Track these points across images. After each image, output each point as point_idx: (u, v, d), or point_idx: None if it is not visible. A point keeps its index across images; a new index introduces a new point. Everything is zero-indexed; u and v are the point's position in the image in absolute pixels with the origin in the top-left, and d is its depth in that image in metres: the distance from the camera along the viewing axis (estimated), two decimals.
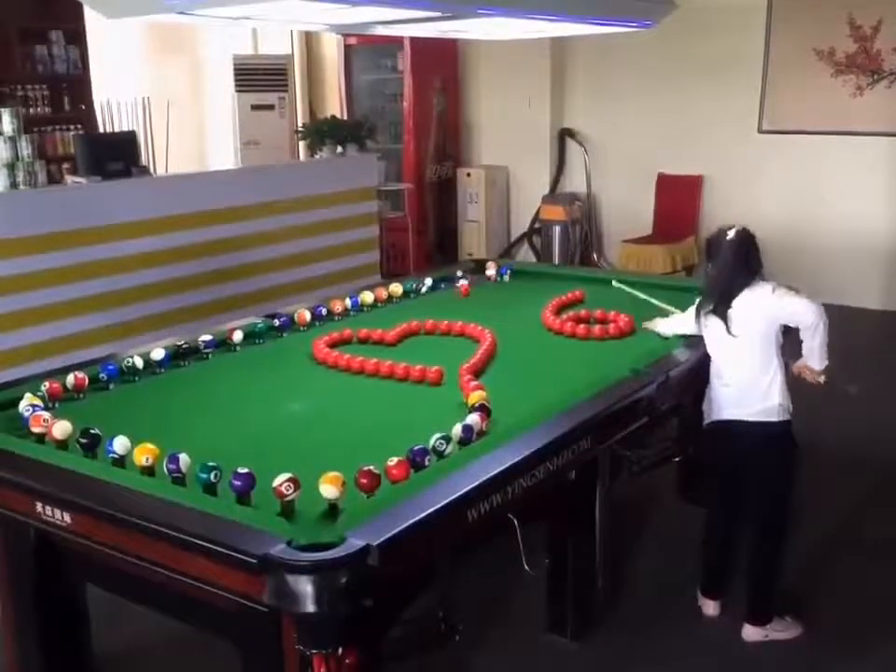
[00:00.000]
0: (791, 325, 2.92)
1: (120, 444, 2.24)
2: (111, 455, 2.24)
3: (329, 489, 1.99)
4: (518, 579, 2.66)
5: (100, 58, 7.30)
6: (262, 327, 3.42)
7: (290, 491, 1.98)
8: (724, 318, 2.88)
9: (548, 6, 3.26)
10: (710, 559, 3.15)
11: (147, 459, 2.17)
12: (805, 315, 2.84)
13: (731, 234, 2.91)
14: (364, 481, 2.05)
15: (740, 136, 7.27)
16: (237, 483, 2.02)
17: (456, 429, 2.35)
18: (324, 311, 3.64)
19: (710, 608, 3.13)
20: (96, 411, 2.68)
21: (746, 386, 2.90)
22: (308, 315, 3.56)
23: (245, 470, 2.04)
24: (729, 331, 2.87)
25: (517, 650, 2.95)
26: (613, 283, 3.90)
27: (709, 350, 2.98)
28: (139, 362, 2.98)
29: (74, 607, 2.58)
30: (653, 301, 3.48)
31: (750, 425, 2.91)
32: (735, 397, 2.92)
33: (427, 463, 2.19)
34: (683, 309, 3.23)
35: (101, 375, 2.88)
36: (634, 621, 3.09)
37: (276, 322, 3.48)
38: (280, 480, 1.99)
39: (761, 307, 2.85)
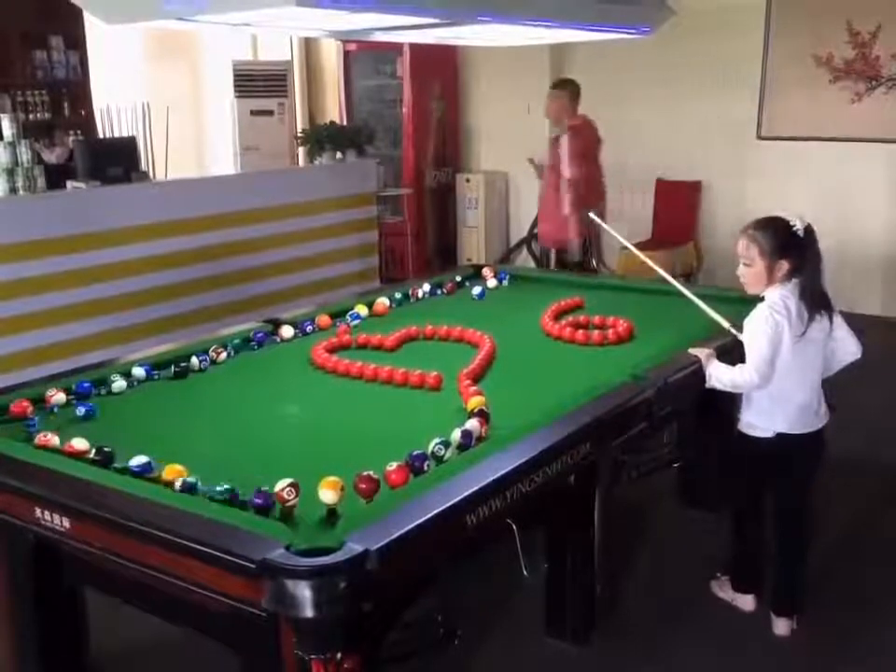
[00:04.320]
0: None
1: (137, 460, 2.23)
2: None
3: (327, 494, 2.00)
4: (517, 583, 2.66)
5: (99, 63, 7.31)
6: (238, 342, 3.36)
7: (291, 496, 1.99)
8: (830, 318, 2.87)
9: (547, 13, 3.27)
10: (745, 558, 3.16)
11: (179, 481, 2.15)
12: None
13: (806, 226, 2.79)
14: (363, 486, 2.05)
15: (739, 142, 7.28)
16: (258, 500, 2.02)
17: (456, 434, 2.35)
18: (309, 328, 3.59)
19: (749, 603, 3.14)
20: (95, 417, 2.69)
21: (816, 394, 2.93)
22: (291, 332, 3.52)
23: (266, 488, 2.04)
24: (831, 330, 2.89)
25: (516, 654, 2.95)
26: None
27: (790, 364, 2.84)
28: (122, 385, 2.92)
29: (72, 609, 2.58)
30: (708, 309, 3.15)
31: (813, 433, 2.94)
32: (807, 407, 2.91)
33: (426, 468, 2.19)
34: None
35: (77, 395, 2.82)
36: (634, 624, 3.09)
37: (253, 344, 3.42)
38: (281, 485, 1.99)
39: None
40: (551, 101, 5.82)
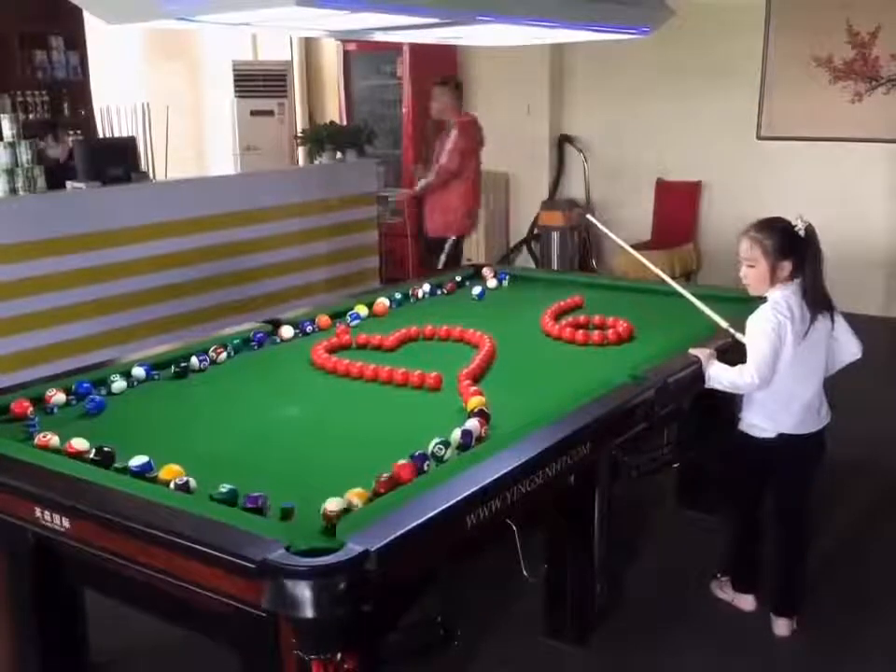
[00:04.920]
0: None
1: (137, 460, 2.23)
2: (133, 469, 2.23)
3: (356, 501, 2.01)
4: (517, 584, 2.66)
5: (99, 63, 7.31)
6: (238, 343, 3.35)
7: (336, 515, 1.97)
8: (832, 318, 2.88)
9: (547, 13, 3.27)
10: (745, 558, 3.17)
11: (178, 479, 2.15)
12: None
13: (808, 226, 2.80)
14: (382, 490, 2.07)
15: (739, 142, 7.29)
16: (250, 504, 2.02)
17: (456, 434, 2.35)
18: (309, 328, 3.58)
19: (749, 603, 3.15)
20: (95, 417, 2.70)
21: (818, 395, 2.93)
22: (290, 332, 3.52)
23: (258, 493, 2.04)
24: (833, 329, 2.89)
25: (516, 655, 2.95)
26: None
27: (792, 365, 2.83)
28: (122, 385, 2.91)
29: (72, 609, 2.58)
30: (705, 309, 3.15)
31: (814, 434, 2.94)
32: (809, 407, 2.92)
33: (426, 468, 2.19)
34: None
35: (82, 399, 2.80)
36: (633, 625, 3.09)
37: (253, 344, 3.41)
38: (330, 505, 1.97)
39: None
40: (436, 97, 5.93)
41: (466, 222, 6.05)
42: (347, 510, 1.97)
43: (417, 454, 2.21)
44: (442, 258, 5.96)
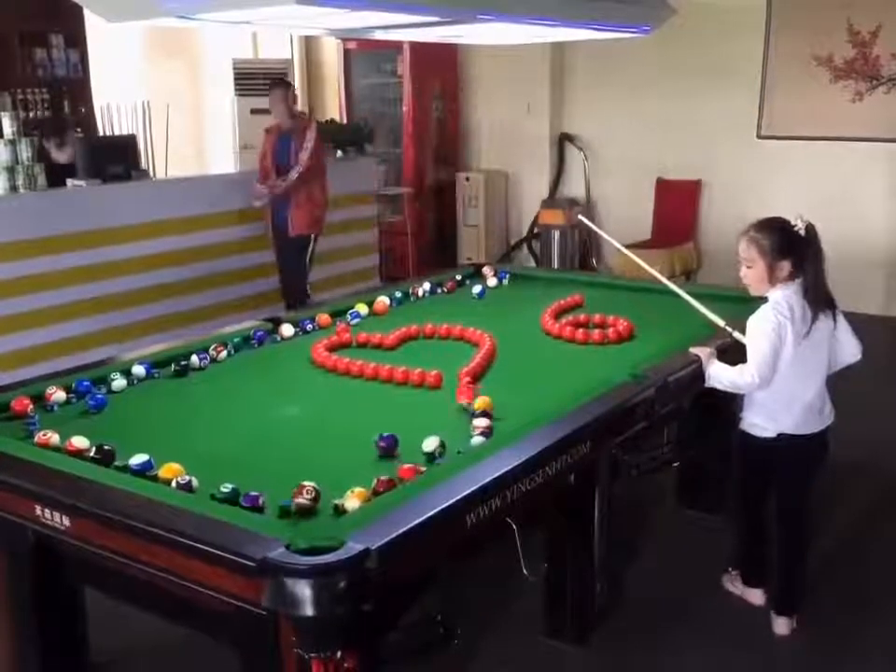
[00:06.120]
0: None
1: (138, 459, 2.23)
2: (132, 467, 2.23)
3: (355, 503, 2.02)
4: (517, 584, 2.66)
5: (100, 61, 7.31)
6: (238, 341, 3.35)
7: (309, 496, 2.00)
8: (834, 317, 2.88)
9: (547, 11, 3.27)
10: (752, 554, 3.17)
11: (180, 478, 2.15)
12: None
13: (808, 225, 2.80)
14: (381, 489, 2.08)
15: (739, 142, 7.28)
16: (246, 503, 2.03)
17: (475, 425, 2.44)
18: (310, 326, 3.58)
19: (758, 597, 3.15)
20: (96, 415, 2.70)
21: (820, 395, 2.93)
22: (291, 331, 3.51)
23: (256, 492, 2.05)
24: (835, 329, 2.89)
25: (516, 655, 2.94)
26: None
27: (794, 365, 2.82)
28: (122, 384, 2.91)
29: (72, 610, 2.58)
30: (703, 309, 3.15)
31: (816, 434, 2.93)
32: (812, 407, 2.91)
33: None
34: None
35: (85, 397, 2.80)
36: (633, 625, 3.08)
37: (254, 342, 3.41)
38: (302, 487, 2.01)
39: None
40: (280, 98, 5.94)
41: (324, 219, 6.05)
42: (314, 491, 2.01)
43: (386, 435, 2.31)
44: (307, 259, 5.93)
